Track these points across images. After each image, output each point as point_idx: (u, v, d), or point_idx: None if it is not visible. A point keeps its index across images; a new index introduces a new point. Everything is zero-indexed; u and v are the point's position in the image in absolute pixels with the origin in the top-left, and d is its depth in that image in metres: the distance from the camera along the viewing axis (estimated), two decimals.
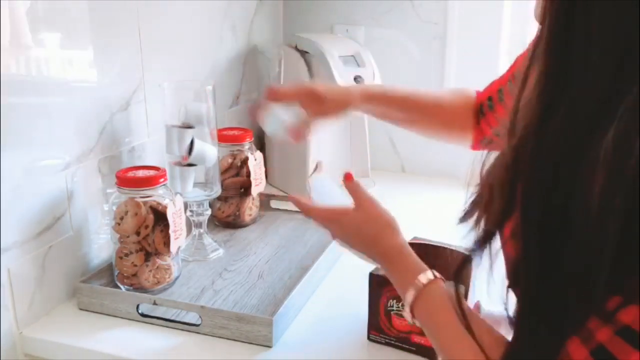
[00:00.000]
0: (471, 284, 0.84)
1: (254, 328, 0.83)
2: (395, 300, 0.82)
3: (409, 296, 0.66)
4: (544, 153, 0.50)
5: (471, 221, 0.64)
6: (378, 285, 0.82)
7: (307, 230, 1.21)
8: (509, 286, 0.56)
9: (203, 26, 1.28)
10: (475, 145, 0.97)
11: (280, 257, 1.10)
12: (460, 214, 0.65)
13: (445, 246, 0.90)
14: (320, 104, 0.91)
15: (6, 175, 0.82)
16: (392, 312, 0.83)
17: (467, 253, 0.86)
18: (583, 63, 0.47)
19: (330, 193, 0.96)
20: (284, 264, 1.08)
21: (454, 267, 0.88)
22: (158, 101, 1.03)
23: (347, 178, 0.79)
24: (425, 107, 0.99)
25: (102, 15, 0.97)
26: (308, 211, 0.80)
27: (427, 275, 0.67)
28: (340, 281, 1.03)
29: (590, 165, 0.47)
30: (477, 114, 0.96)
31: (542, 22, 0.52)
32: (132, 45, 1.05)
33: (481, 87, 0.98)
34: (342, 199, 0.98)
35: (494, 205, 0.58)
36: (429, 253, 0.91)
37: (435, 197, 1.41)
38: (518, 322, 0.54)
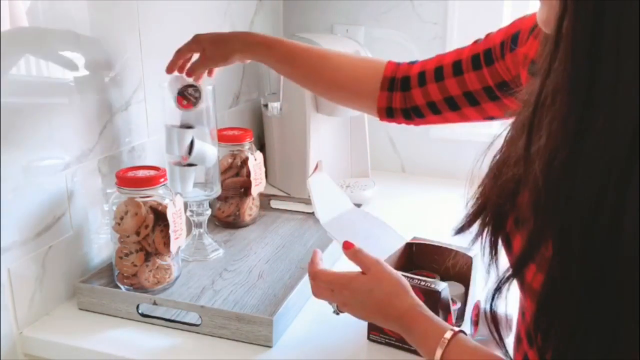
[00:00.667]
0: (471, 283, 0.84)
1: (254, 328, 0.83)
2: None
3: (437, 355, 0.64)
4: (582, 177, 0.47)
5: (469, 233, 0.62)
6: None
7: (307, 230, 1.21)
8: (536, 318, 0.53)
9: (203, 26, 1.28)
10: (381, 116, 0.96)
11: (280, 257, 1.10)
12: (458, 225, 0.64)
13: (445, 246, 0.90)
14: (203, 54, 1.00)
15: (6, 175, 0.82)
16: None
17: (467, 253, 0.86)
18: (615, 74, 0.44)
19: (330, 193, 0.96)
20: (284, 264, 1.08)
21: (454, 266, 0.88)
22: (158, 101, 1.03)
23: (346, 247, 0.77)
24: (315, 63, 0.98)
25: (102, 15, 0.97)
26: (315, 275, 0.78)
27: (449, 332, 0.65)
28: None
29: (635, 184, 0.44)
30: (385, 85, 0.94)
31: (552, 29, 0.49)
32: (132, 45, 1.05)
33: None
34: (342, 199, 0.98)
35: (503, 200, 0.57)
36: (429, 253, 0.91)
37: (435, 197, 1.41)
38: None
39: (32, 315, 0.89)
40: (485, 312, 0.84)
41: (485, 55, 0.85)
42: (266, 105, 1.40)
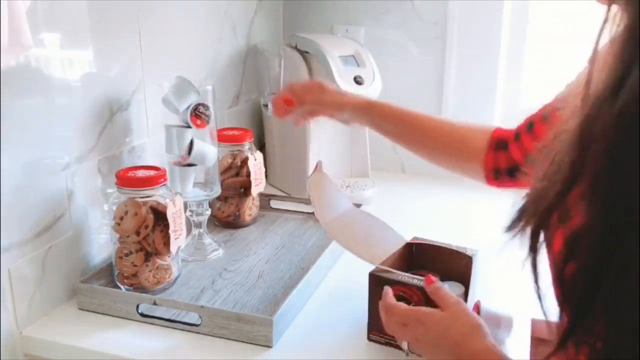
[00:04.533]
0: (471, 283, 0.84)
1: (254, 328, 0.83)
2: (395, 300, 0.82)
3: None
4: (622, 120, 0.47)
5: (517, 229, 0.60)
6: (378, 286, 0.82)
7: (307, 230, 1.21)
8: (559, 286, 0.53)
9: (203, 26, 1.28)
10: (489, 178, 0.94)
11: (280, 257, 1.10)
12: (508, 222, 0.61)
13: (446, 246, 0.90)
14: (321, 93, 1.03)
15: (6, 175, 0.82)
16: None
17: (467, 253, 0.86)
18: None
19: (330, 193, 0.96)
20: (284, 264, 1.08)
21: (454, 267, 0.88)
22: (158, 101, 1.03)
23: (428, 282, 0.76)
24: (428, 126, 0.98)
25: (102, 16, 0.97)
26: (390, 308, 0.75)
27: None
28: (340, 281, 1.03)
29: None
30: (492, 145, 0.92)
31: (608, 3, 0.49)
32: (132, 45, 1.05)
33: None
34: (342, 199, 0.98)
35: (549, 191, 0.54)
36: (429, 253, 0.91)
37: (435, 197, 1.41)
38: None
39: (32, 315, 0.89)
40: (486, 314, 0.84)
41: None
42: (266, 105, 1.40)
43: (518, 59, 1.47)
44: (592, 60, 0.51)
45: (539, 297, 0.56)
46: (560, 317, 0.56)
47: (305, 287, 0.94)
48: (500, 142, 0.92)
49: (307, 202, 1.31)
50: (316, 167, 0.96)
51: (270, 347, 0.83)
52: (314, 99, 1.03)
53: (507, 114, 1.49)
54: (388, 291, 0.78)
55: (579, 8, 1.42)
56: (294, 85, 1.05)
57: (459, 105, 1.48)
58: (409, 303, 0.78)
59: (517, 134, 0.89)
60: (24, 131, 0.85)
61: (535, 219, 0.57)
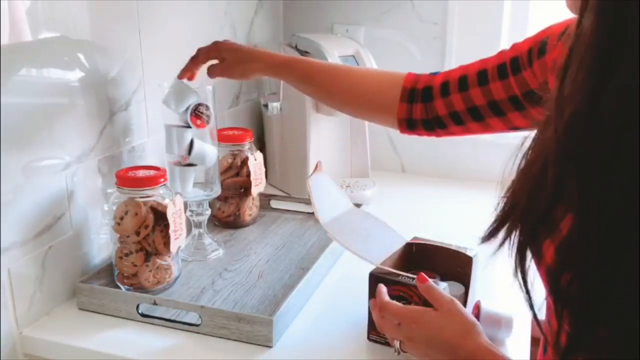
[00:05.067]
0: (471, 284, 0.84)
1: (254, 328, 0.83)
2: (395, 300, 0.82)
3: None
4: (599, 131, 0.46)
5: (497, 239, 0.59)
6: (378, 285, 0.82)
7: (307, 230, 1.21)
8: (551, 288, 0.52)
9: (203, 26, 1.28)
10: (402, 128, 0.97)
11: (280, 257, 1.10)
12: (485, 232, 0.61)
13: (446, 246, 0.90)
14: (222, 63, 1.04)
15: (6, 175, 0.82)
16: None
17: (468, 254, 0.86)
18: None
19: (330, 193, 0.96)
20: (284, 264, 1.08)
21: (454, 267, 0.88)
22: (158, 101, 1.03)
23: (421, 280, 0.75)
24: (334, 79, 0.99)
25: (102, 15, 0.97)
26: (383, 306, 0.75)
27: None
28: (340, 281, 1.03)
29: None
30: (405, 96, 0.94)
31: (579, 13, 0.49)
32: (132, 45, 1.05)
33: None
34: (342, 199, 0.98)
35: (534, 206, 0.53)
36: (429, 253, 0.91)
37: (435, 197, 1.41)
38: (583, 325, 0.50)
39: (32, 315, 0.89)
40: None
41: (512, 64, 0.83)
42: (266, 105, 1.40)
43: None
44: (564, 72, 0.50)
45: (532, 309, 0.55)
46: (551, 322, 0.56)
47: (305, 287, 0.94)
48: (415, 92, 0.93)
49: (307, 202, 1.31)
50: (316, 167, 0.96)
51: (270, 347, 0.83)
52: (232, 55, 1.04)
53: None
54: (382, 289, 0.78)
55: None
56: (218, 43, 1.06)
57: None
58: (409, 303, 0.78)
59: (446, 90, 0.90)
60: (24, 131, 0.85)
61: (522, 236, 0.56)
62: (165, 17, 1.14)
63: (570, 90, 0.49)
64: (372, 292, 0.83)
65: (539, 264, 0.58)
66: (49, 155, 0.90)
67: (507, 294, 0.91)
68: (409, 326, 0.72)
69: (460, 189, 1.42)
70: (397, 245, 0.90)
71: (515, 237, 0.56)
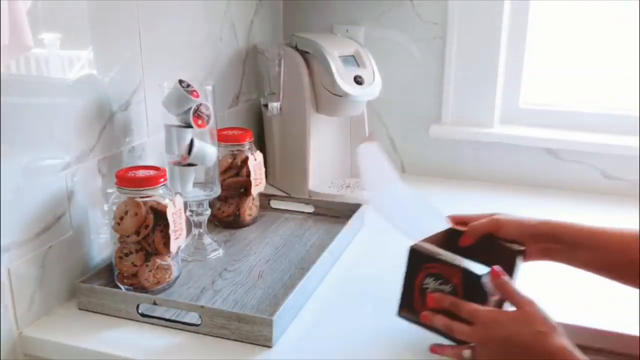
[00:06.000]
0: (514, 280, 0.81)
1: (254, 328, 0.83)
2: (432, 278, 0.77)
3: None
4: None
5: None
6: (417, 262, 0.79)
7: (307, 230, 1.21)
8: None
9: (203, 26, 1.28)
10: None
11: (280, 257, 1.10)
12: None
13: (493, 236, 0.86)
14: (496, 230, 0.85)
15: (6, 175, 0.82)
16: (427, 290, 0.78)
17: (514, 248, 0.81)
18: None
19: (377, 164, 0.94)
20: (284, 264, 1.08)
21: (496, 261, 0.83)
22: (158, 101, 1.03)
23: (495, 275, 0.71)
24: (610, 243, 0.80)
25: (102, 16, 0.97)
26: (453, 304, 0.72)
27: None
28: (340, 281, 1.03)
29: None
30: None
31: None
32: (132, 45, 1.05)
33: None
34: (389, 170, 0.96)
35: None
36: (475, 243, 0.88)
37: (435, 197, 1.40)
38: None
39: (32, 315, 0.89)
40: None
41: None
42: (266, 105, 1.40)
43: (518, 59, 1.47)
44: None
45: None
46: None
47: (305, 287, 0.94)
48: None
49: (307, 202, 1.31)
50: (369, 135, 0.94)
51: (270, 347, 0.83)
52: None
53: (507, 114, 1.49)
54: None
55: (579, 8, 1.42)
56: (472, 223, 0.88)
57: (459, 105, 1.48)
58: (447, 283, 0.75)
59: None
60: (24, 131, 0.85)
61: None
62: (165, 17, 1.13)
63: None
64: (410, 268, 0.80)
65: None
66: (49, 155, 0.90)
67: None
68: (484, 326, 0.68)
69: (460, 189, 1.42)
70: (440, 227, 0.88)
71: None
